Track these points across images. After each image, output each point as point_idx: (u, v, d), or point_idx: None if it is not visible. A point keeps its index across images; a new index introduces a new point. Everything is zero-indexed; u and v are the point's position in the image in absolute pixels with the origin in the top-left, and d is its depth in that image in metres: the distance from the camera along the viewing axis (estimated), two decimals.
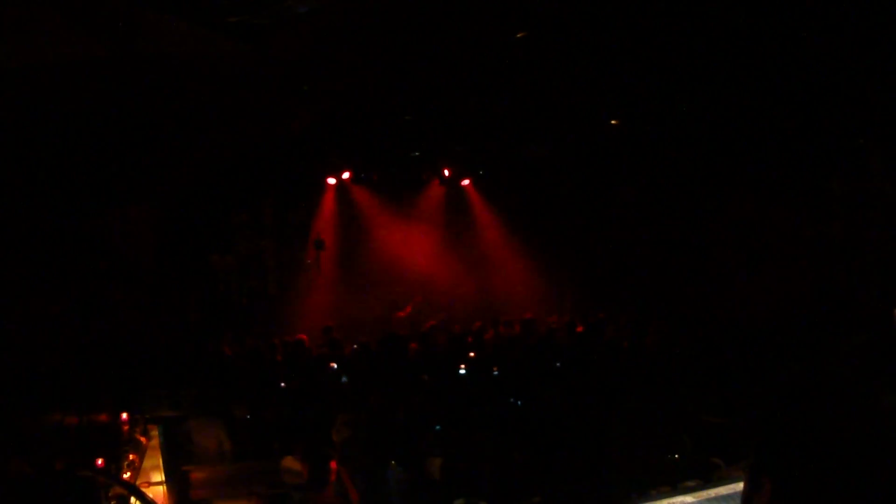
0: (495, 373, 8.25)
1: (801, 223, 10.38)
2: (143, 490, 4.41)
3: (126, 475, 4.97)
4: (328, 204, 14.00)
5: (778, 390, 1.13)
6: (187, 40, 6.28)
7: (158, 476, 5.19)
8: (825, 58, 7.61)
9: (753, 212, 10.99)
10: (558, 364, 8.49)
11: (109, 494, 4.01)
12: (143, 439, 5.86)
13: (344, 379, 8.16)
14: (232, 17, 6.06)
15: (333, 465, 5.46)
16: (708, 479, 5.08)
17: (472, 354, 9.11)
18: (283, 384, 8.16)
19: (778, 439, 1.09)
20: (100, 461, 4.76)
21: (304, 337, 10.04)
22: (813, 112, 9.10)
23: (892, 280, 9.01)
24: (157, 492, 4.88)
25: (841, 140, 9.71)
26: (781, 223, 10.64)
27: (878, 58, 7.47)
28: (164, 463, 5.37)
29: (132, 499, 4.05)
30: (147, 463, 5.41)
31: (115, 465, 5.07)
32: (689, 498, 1.64)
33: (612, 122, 10.93)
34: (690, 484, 1.92)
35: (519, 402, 7.41)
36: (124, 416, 5.93)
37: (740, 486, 1.19)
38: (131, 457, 5.32)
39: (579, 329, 10.43)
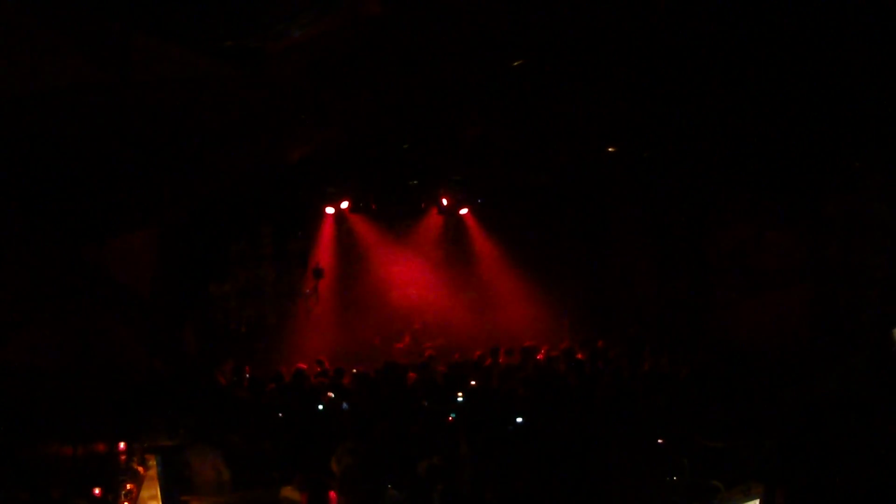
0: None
1: (799, 246, 10.42)
2: None
3: None
4: (327, 233, 14.00)
5: (787, 410, 1.16)
6: (183, 65, 6.34)
7: None
8: (821, 80, 7.70)
9: (751, 235, 11.03)
10: (558, 391, 8.46)
11: None
12: (140, 469, 5.84)
13: (345, 406, 8.11)
14: (227, 41, 6.12)
15: (332, 494, 5.45)
16: (708, 503, 5.09)
17: (473, 383, 9.07)
18: (280, 413, 8.07)
19: (789, 454, 1.13)
20: (97, 491, 4.71)
21: (304, 366, 10.01)
22: (808, 134, 9.19)
23: (890, 301, 9.02)
24: None
25: (837, 162, 9.78)
26: (779, 246, 10.69)
27: (872, 80, 7.54)
28: (161, 493, 5.35)
29: None
30: (145, 493, 5.39)
31: (112, 494, 5.03)
32: None
33: (609, 149, 10.98)
34: None
35: (519, 429, 7.42)
36: (122, 445, 5.90)
37: None
38: (129, 486, 5.29)
39: (579, 356, 10.40)
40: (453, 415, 7.84)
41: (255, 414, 8.19)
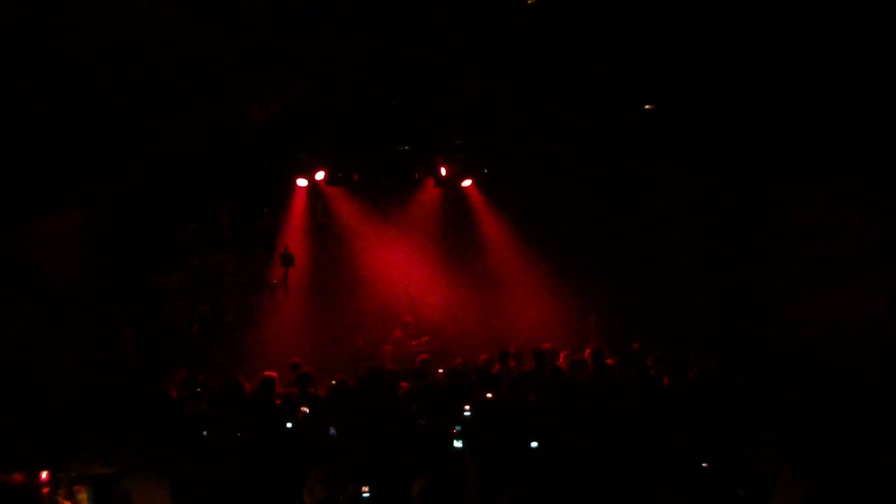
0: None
1: (882, 226, 10.32)
2: None
3: None
4: (298, 210, 13.94)
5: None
6: (128, 7, 6.26)
7: None
8: None
9: (823, 213, 10.93)
10: (583, 404, 8.44)
11: None
12: None
13: (333, 432, 8.09)
14: None
15: None
16: None
17: (489, 395, 9.05)
18: (241, 434, 8.05)
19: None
20: None
21: (274, 374, 9.97)
22: None
23: None
24: None
25: None
26: (857, 226, 10.58)
27: None
28: None
29: None
30: None
31: None
32: None
33: (646, 106, 10.88)
34: None
35: (537, 449, 7.42)
36: (44, 475, 5.84)
37: None
38: None
39: (609, 361, 10.37)
40: (458, 427, 7.80)
41: (210, 434, 8.16)
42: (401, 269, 14.30)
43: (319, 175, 13.49)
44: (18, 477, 5.90)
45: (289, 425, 8.23)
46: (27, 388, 7.90)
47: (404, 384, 9.67)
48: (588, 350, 11.03)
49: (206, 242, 10.68)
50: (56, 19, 5.91)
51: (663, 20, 7.94)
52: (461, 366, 10.66)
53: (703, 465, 6.67)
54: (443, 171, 13.84)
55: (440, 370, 10.82)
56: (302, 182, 13.62)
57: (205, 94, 9.17)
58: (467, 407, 8.38)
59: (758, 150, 11.58)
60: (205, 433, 8.08)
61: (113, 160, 9.65)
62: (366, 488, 6.13)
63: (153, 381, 9.58)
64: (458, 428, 7.73)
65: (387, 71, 9.34)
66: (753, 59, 9.13)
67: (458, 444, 7.51)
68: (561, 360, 10.90)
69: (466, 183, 14.48)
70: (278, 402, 8.92)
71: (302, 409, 8.71)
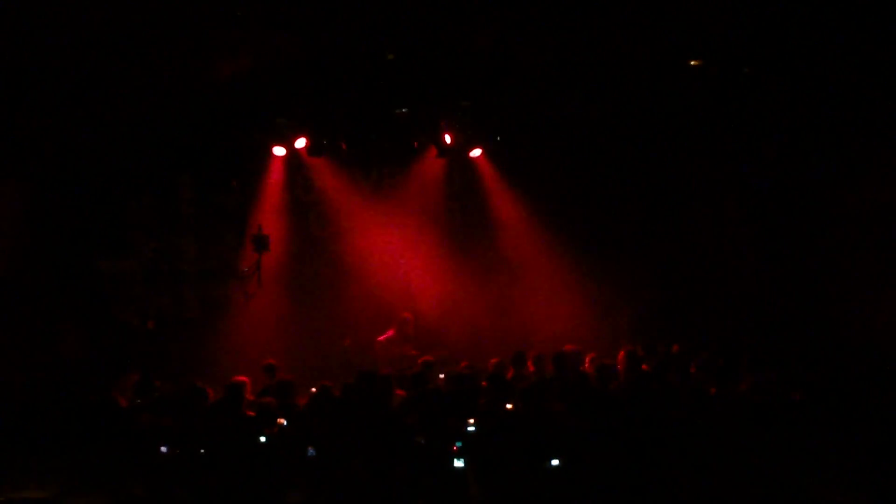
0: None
1: None
2: None
3: None
4: (274, 184, 13.84)
5: None
6: None
7: None
8: None
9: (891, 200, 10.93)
10: (612, 417, 8.41)
11: None
12: None
13: (312, 452, 8.08)
14: None
15: None
16: None
17: (509, 406, 8.97)
18: (204, 450, 8.03)
19: None
20: None
21: (245, 379, 9.92)
22: None
23: None
24: None
25: None
26: None
27: None
28: None
29: None
30: None
31: None
32: None
33: (692, 62, 10.79)
34: None
35: (556, 469, 7.49)
36: None
37: None
38: None
39: (644, 367, 10.31)
40: (458, 444, 7.89)
41: (168, 451, 8.12)
42: (397, 255, 14.25)
43: (300, 143, 13.33)
44: None
45: (262, 440, 8.24)
46: None
47: (399, 392, 9.64)
48: (620, 353, 10.92)
49: (163, 222, 10.62)
50: None
51: None
52: (467, 370, 10.64)
53: (761, 492, 6.74)
54: (447, 139, 13.64)
55: (441, 375, 10.75)
56: (279, 151, 13.47)
57: (162, 44, 9.13)
58: (471, 421, 8.37)
59: (828, 117, 11.49)
60: (161, 449, 8.06)
61: (54, 123, 9.64)
62: None
63: (99, 388, 9.43)
64: (458, 444, 7.80)
65: (380, 17, 9.24)
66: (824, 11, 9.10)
67: (458, 463, 7.60)
68: (586, 364, 10.82)
69: (475, 153, 14.25)
70: (249, 412, 8.87)
71: (278, 420, 8.65)
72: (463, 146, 13.93)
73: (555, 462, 7.60)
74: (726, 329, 12.31)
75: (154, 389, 9.93)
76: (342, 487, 6.84)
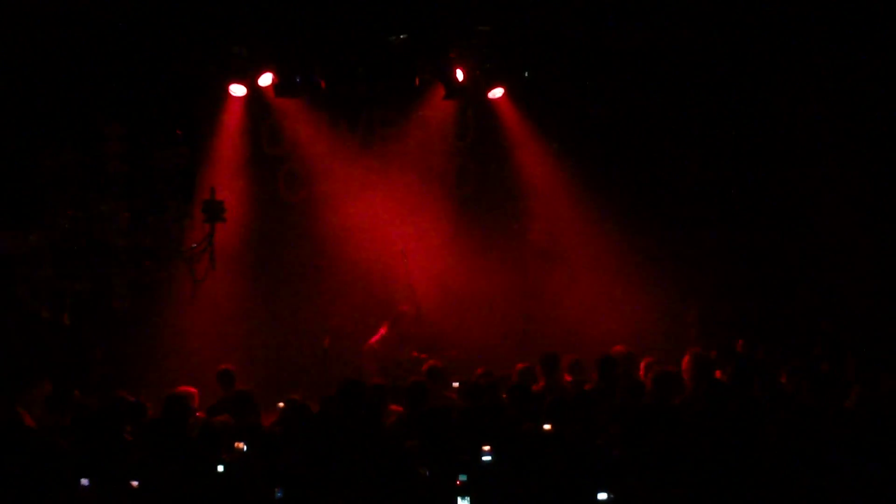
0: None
1: None
2: None
3: None
4: (231, 134, 14.03)
5: None
6: None
7: None
8: None
9: None
10: (676, 439, 8.40)
11: None
12: None
13: (280, 494, 8.07)
14: None
15: None
16: None
17: (547, 428, 8.94)
18: (136, 483, 7.98)
19: None
20: None
21: (193, 390, 10.03)
22: None
23: None
24: None
25: None
26: None
27: None
28: None
29: None
30: None
31: None
32: None
33: None
34: None
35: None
36: None
37: None
38: None
39: (717, 375, 10.43)
40: (463, 477, 7.93)
41: (91, 483, 8.04)
42: (392, 228, 14.30)
43: (265, 79, 13.40)
44: None
45: (220, 469, 8.26)
46: None
47: (395, 407, 9.82)
48: (685, 357, 10.90)
49: (83, 184, 10.58)
50: None
51: None
52: (483, 379, 10.59)
53: None
54: (459, 75, 13.68)
55: (455, 384, 10.90)
56: (238, 90, 13.56)
57: None
58: (486, 448, 8.38)
59: None
60: (82, 483, 8.04)
61: None
62: None
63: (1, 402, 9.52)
64: (462, 478, 7.87)
65: None
66: None
67: (462, 503, 7.69)
68: (641, 371, 10.94)
69: (496, 93, 14.33)
70: (196, 434, 8.84)
71: (236, 445, 8.67)
72: (479, 85, 13.95)
73: (602, 496, 7.56)
74: (823, 331, 12.35)
75: (71, 404, 9.92)
76: None
